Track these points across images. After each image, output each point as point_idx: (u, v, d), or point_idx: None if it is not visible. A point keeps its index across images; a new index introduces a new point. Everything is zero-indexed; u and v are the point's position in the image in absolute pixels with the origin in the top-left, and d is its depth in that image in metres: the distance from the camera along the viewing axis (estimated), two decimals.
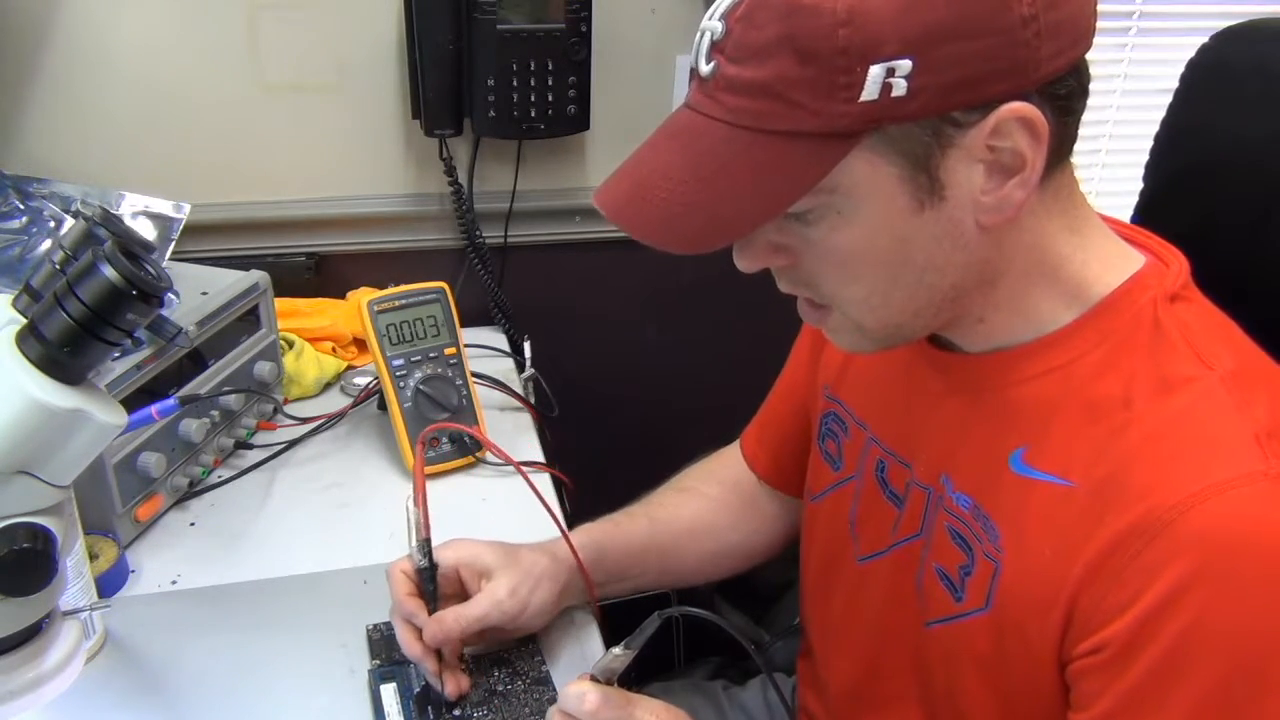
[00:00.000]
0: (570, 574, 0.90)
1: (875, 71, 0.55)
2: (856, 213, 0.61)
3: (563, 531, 0.91)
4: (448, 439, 1.13)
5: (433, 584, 0.83)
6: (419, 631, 0.82)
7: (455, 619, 0.81)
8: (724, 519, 1.02)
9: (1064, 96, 0.61)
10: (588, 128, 1.39)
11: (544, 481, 1.13)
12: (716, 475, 1.05)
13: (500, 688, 0.84)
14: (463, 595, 0.86)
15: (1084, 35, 0.61)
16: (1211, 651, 0.57)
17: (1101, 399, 0.64)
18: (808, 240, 0.64)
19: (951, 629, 0.72)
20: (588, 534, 0.93)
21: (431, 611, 0.82)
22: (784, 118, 0.58)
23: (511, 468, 1.13)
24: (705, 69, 0.61)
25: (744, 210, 0.60)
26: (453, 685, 0.82)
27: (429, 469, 1.11)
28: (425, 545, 0.82)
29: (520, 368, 1.37)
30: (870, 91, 0.56)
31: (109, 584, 0.93)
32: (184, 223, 1.24)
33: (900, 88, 0.56)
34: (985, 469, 0.70)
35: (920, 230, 0.62)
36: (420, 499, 0.82)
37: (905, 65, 0.55)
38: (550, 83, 1.33)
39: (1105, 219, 0.71)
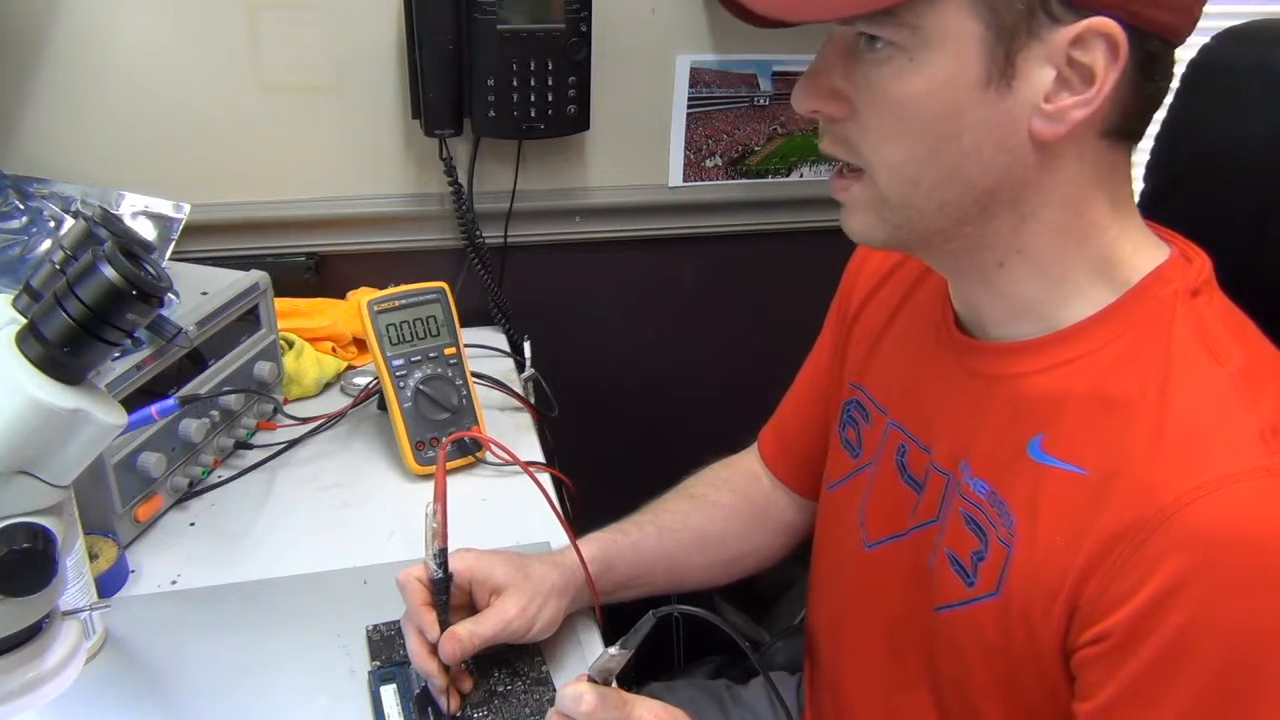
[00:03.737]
0: (578, 586, 0.90)
1: None
2: (926, 63, 0.62)
3: (573, 543, 0.91)
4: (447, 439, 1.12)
5: (446, 595, 0.82)
6: (430, 644, 0.81)
7: (469, 636, 0.80)
8: (734, 527, 1.02)
9: (1150, 55, 0.62)
10: (588, 128, 1.39)
11: (544, 482, 1.13)
12: (728, 483, 1.05)
13: (500, 688, 0.84)
14: (471, 606, 0.86)
15: (1187, 9, 0.62)
16: (1210, 645, 0.58)
17: (1117, 392, 0.65)
18: (870, 88, 0.64)
19: (961, 614, 0.72)
20: (596, 544, 0.93)
21: (444, 623, 0.81)
22: None
23: (511, 468, 1.13)
24: None
25: None
26: (456, 700, 0.82)
27: (430, 469, 1.12)
28: (442, 555, 0.81)
29: (520, 368, 1.37)
30: None
31: (109, 584, 0.93)
32: (184, 223, 1.24)
33: None
34: (1004, 456, 0.70)
35: (977, 107, 0.62)
36: (440, 508, 0.81)
37: None
38: (550, 83, 1.33)
39: None
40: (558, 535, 1.03)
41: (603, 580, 0.91)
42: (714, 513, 1.02)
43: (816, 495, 0.98)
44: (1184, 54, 0.87)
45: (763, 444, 1.06)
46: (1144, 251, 0.69)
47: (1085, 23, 0.60)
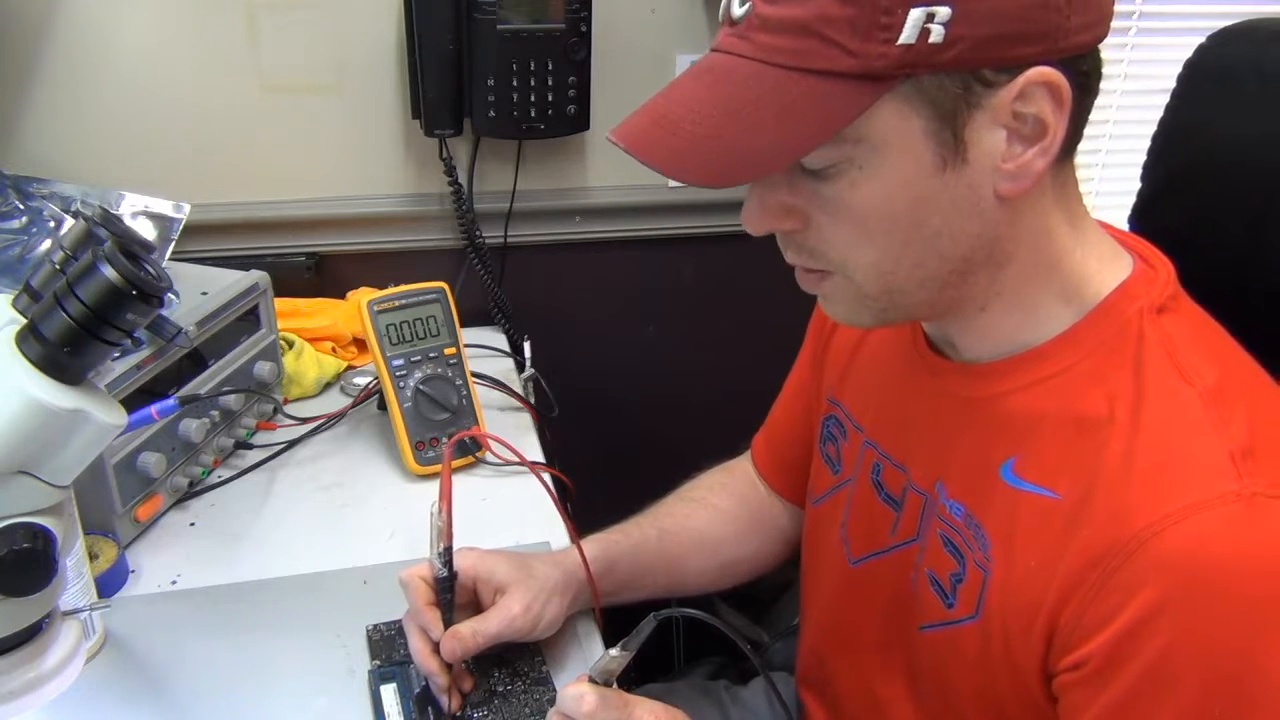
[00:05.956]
0: (580, 585, 0.90)
1: (915, 15, 0.55)
2: (878, 167, 0.61)
3: (576, 543, 0.90)
4: (447, 439, 1.12)
5: (450, 594, 0.82)
6: (433, 643, 0.81)
7: (472, 634, 0.80)
8: (731, 532, 1.02)
9: (1085, 74, 0.61)
10: (588, 128, 1.40)
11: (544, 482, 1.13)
12: (726, 488, 1.05)
13: (500, 688, 0.85)
14: (474, 605, 0.86)
15: (1106, 17, 0.62)
16: (1189, 672, 0.58)
17: (1087, 413, 0.64)
18: (823, 199, 0.63)
19: (943, 634, 0.72)
20: (597, 545, 0.93)
21: (448, 622, 0.81)
22: (819, 57, 0.57)
23: (510, 468, 1.14)
24: (738, 11, 0.61)
25: (768, 147, 0.59)
26: (457, 700, 0.82)
27: (430, 469, 1.12)
28: (447, 554, 0.81)
29: (520, 368, 1.37)
30: (908, 35, 0.56)
31: (109, 584, 0.93)
32: (184, 223, 1.24)
33: (937, 34, 0.56)
34: (977, 478, 0.70)
35: (939, 191, 0.61)
36: (446, 506, 0.81)
37: (944, 12, 0.55)
38: (550, 83, 1.33)
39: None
40: (557, 535, 1.03)
41: (603, 581, 0.91)
42: (713, 516, 1.02)
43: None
44: (1181, 55, 0.87)
45: (755, 453, 1.06)
46: (1107, 265, 0.68)
47: (1022, 78, 0.58)
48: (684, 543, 0.99)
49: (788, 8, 0.58)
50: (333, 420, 1.22)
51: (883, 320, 0.71)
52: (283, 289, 1.28)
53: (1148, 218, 0.89)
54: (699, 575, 1.01)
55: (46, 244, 1.12)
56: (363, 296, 1.15)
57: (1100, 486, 0.62)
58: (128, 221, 1.21)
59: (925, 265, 0.65)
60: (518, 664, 0.87)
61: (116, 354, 0.80)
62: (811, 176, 0.63)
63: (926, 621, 0.74)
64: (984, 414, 0.70)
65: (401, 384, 1.12)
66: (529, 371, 1.34)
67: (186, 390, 1.04)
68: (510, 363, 1.39)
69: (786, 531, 1.04)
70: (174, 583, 0.96)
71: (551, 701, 0.82)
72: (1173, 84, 0.87)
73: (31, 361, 0.57)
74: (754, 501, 1.04)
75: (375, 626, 0.90)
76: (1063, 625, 0.62)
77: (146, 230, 1.22)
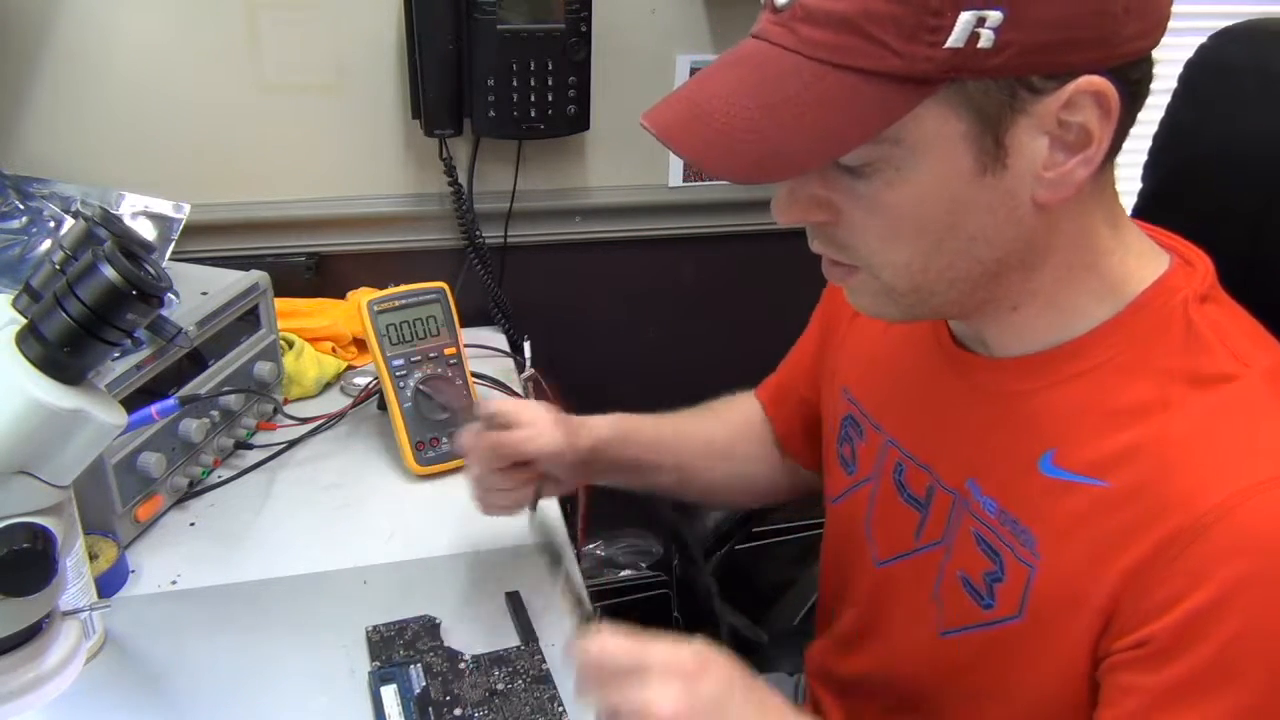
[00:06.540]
0: (587, 447, 0.93)
1: (966, 18, 0.54)
2: (915, 170, 0.59)
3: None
4: (447, 439, 1.13)
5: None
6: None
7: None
8: (740, 448, 1.05)
9: (1136, 82, 0.60)
10: (588, 128, 1.40)
11: None
12: (738, 408, 1.07)
13: (500, 687, 0.85)
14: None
15: (1162, 22, 0.60)
16: (1260, 657, 0.56)
17: (1133, 400, 0.64)
18: (856, 196, 0.62)
19: (975, 637, 0.71)
20: (614, 418, 0.96)
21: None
22: (863, 55, 0.56)
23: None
24: None
25: (805, 146, 0.58)
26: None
27: (429, 469, 1.12)
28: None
29: (520, 368, 1.37)
30: (957, 38, 0.54)
31: (109, 584, 0.93)
32: (184, 223, 1.24)
33: (987, 39, 0.54)
34: (1013, 473, 0.69)
35: (976, 196, 0.60)
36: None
37: (996, 16, 0.54)
38: (550, 83, 1.33)
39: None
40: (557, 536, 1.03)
41: (616, 453, 0.94)
42: (724, 428, 1.05)
43: (810, 462, 1.00)
44: (1181, 54, 0.87)
45: (763, 400, 1.07)
46: (1146, 262, 0.68)
47: (1070, 87, 0.57)
48: (695, 444, 1.03)
49: (833, 0, 0.56)
50: (333, 420, 1.22)
51: (910, 315, 0.70)
52: (283, 289, 1.28)
53: (1148, 217, 0.88)
54: (706, 477, 1.03)
55: (46, 244, 1.12)
56: (363, 296, 1.15)
57: (1159, 471, 0.61)
58: (128, 221, 1.21)
59: (956, 267, 0.64)
60: (518, 663, 0.87)
61: (116, 354, 0.81)
62: (846, 172, 0.61)
63: (953, 625, 0.73)
64: (1019, 409, 0.69)
65: (401, 384, 1.12)
66: (529, 371, 1.34)
67: (186, 390, 1.04)
68: (510, 363, 1.39)
69: (787, 468, 1.05)
70: (174, 583, 0.96)
71: (552, 699, 0.82)
72: (1173, 84, 0.87)
73: (31, 361, 0.57)
74: (759, 429, 1.06)
75: (375, 628, 0.90)
76: (1121, 611, 0.61)
77: (146, 230, 1.22)
